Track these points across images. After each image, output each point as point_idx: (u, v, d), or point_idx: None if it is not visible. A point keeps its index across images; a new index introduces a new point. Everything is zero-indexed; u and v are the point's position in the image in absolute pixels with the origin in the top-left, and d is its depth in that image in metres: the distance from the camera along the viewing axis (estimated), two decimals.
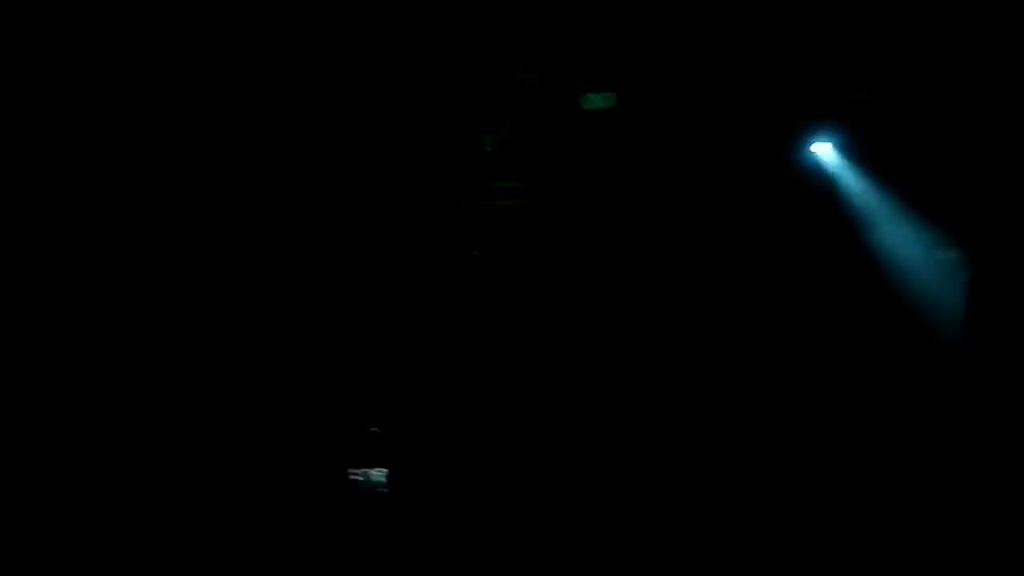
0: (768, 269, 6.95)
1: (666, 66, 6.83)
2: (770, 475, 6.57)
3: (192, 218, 6.69)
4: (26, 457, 6.00)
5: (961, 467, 6.36)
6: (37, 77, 6.07)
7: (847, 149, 6.86)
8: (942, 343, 6.61)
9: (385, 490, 6.69)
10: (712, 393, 6.85)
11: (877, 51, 6.47)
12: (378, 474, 6.71)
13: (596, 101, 6.94)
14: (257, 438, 6.56)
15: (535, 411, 7.04)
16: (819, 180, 6.93)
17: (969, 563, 5.93)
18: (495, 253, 7.36)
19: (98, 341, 6.38)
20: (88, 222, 6.38)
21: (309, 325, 6.97)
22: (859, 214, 6.89)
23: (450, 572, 6.20)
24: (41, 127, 6.16)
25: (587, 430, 6.96)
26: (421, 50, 6.79)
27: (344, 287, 7.11)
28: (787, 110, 6.83)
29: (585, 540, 6.43)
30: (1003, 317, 6.48)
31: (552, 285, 7.28)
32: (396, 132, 7.08)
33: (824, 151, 6.92)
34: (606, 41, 6.81)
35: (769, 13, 6.50)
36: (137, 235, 6.56)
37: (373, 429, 7.03)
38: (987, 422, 6.29)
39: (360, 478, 6.70)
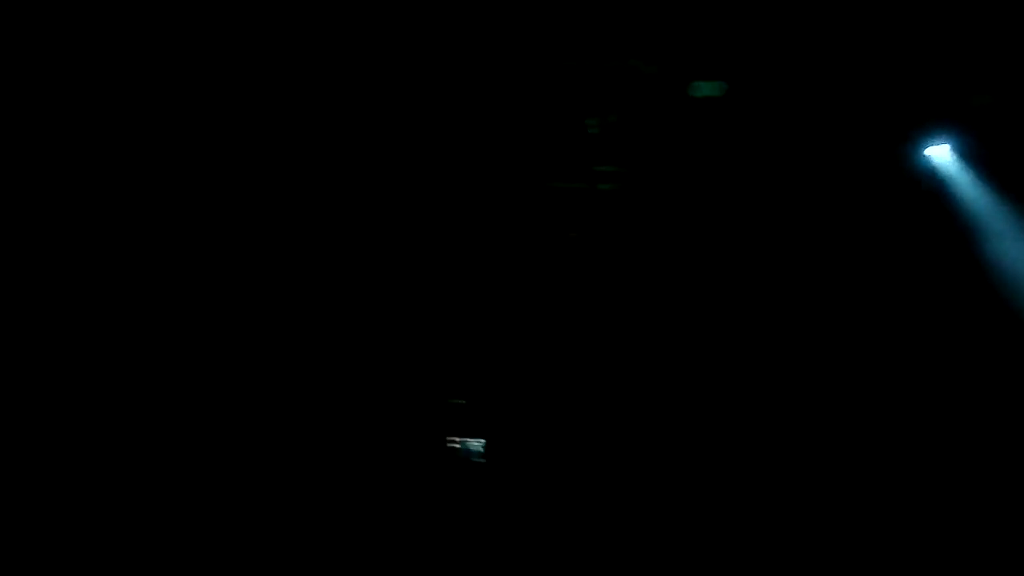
0: (876, 272, 6.79)
1: (781, 57, 6.69)
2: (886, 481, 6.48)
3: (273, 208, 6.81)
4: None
5: None
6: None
7: (966, 153, 6.65)
8: None
9: (482, 459, 6.87)
10: (820, 390, 6.75)
11: (1003, 53, 6.25)
12: (476, 444, 6.90)
13: (706, 89, 6.84)
14: (358, 408, 6.76)
15: (625, 391, 7.05)
16: (935, 184, 6.74)
17: None
18: (592, 236, 7.35)
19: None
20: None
21: (406, 301, 7.08)
22: (974, 222, 6.68)
23: (542, 539, 6.32)
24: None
25: (684, 413, 6.94)
26: (533, 31, 6.78)
27: (441, 263, 7.20)
28: (905, 109, 6.64)
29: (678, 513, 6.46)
30: None
31: (648, 271, 7.25)
32: (500, 110, 7.10)
33: (942, 154, 6.72)
34: (721, 30, 6.71)
35: (891, 9, 6.33)
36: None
37: (460, 401, 7.14)
38: None
39: (458, 447, 6.89)
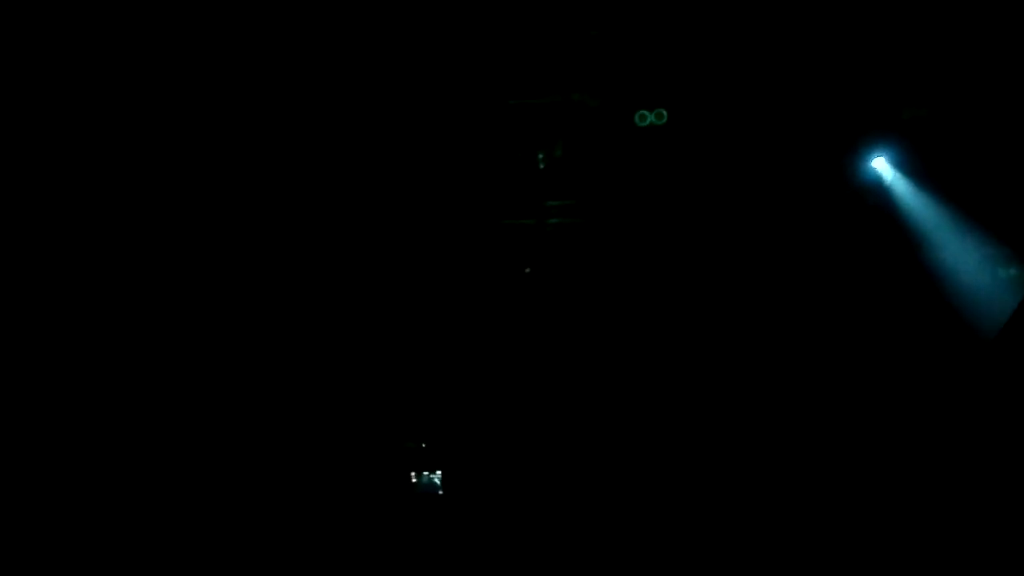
0: (826, 286, 6.88)
1: (720, 81, 6.83)
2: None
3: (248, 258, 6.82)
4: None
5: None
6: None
7: (907, 165, 6.81)
8: (1005, 360, 6.49)
9: (440, 491, 7.03)
10: (768, 409, 6.76)
11: (936, 66, 6.45)
12: (433, 477, 7.03)
13: (650, 118, 6.94)
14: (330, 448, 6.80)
15: (581, 426, 7.01)
16: (878, 196, 6.88)
17: None
18: (546, 271, 7.36)
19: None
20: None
21: (360, 342, 7.02)
22: (920, 231, 6.82)
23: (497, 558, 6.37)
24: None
25: (636, 447, 6.91)
26: (477, 69, 6.85)
27: (394, 305, 7.14)
28: (844, 126, 6.80)
29: (624, 535, 6.43)
30: None
31: (603, 302, 7.25)
32: (449, 148, 7.12)
33: (883, 167, 6.87)
34: (659, 59, 6.84)
35: (825, 30, 6.52)
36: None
37: (423, 445, 7.07)
38: None
39: (419, 480, 7.04)
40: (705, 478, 6.68)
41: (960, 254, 6.74)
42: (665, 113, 6.91)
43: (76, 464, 6.08)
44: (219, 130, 6.56)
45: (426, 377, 7.12)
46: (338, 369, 6.88)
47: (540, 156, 7.19)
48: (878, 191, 6.88)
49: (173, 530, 6.08)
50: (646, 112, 6.92)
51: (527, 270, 7.39)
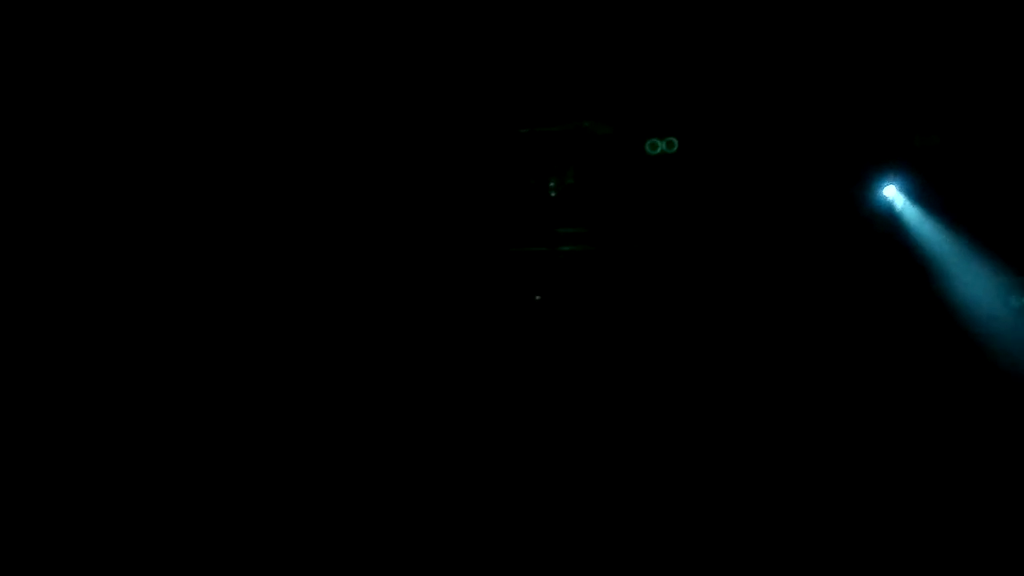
0: (838, 314, 6.87)
1: (731, 110, 6.88)
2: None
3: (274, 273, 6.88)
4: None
5: None
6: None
7: (917, 194, 6.83)
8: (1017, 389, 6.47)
9: None
10: (781, 438, 6.73)
11: (947, 94, 6.49)
12: None
13: (661, 146, 6.99)
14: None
15: (593, 451, 6.98)
16: (889, 225, 6.89)
17: None
18: (557, 298, 7.38)
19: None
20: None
21: (373, 372, 7.03)
22: (931, 260, 6.82)
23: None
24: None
25: (647, 472, 6.87)
26: (489, 97, 6.92)
27: (406, 331, 7.16)
28: (855, 154, 6.83)
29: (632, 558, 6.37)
30: None
31: (614, 330, 7.26)
32: (461, 176, 7.18)
33: (895, 196, 6.89)
34: (670, 87, 6.91)
35: (836, 59, 6.57)
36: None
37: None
38: None
39: None
40: (717, 505, 6.63)
41: (972, 283, 6.73)
42: (676, 141, 6.96)
43: (79, 464, 6.05)
44: (229, 139, 6.62)
45: (437, 404, 7.11)
46: (346, 394, 6.87)
47: (552, 184, 7.24)
48: (889, 219, 6.89)
49: (172, 531, 6.01)
50: (657, 140, 6.98)
51: (538, 297, 7.41)
